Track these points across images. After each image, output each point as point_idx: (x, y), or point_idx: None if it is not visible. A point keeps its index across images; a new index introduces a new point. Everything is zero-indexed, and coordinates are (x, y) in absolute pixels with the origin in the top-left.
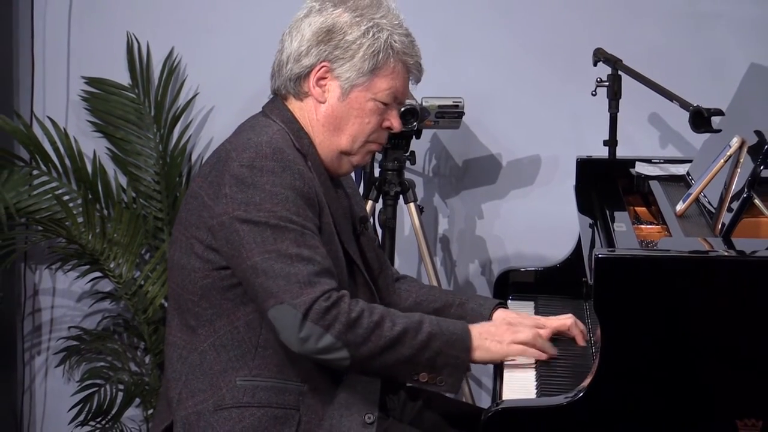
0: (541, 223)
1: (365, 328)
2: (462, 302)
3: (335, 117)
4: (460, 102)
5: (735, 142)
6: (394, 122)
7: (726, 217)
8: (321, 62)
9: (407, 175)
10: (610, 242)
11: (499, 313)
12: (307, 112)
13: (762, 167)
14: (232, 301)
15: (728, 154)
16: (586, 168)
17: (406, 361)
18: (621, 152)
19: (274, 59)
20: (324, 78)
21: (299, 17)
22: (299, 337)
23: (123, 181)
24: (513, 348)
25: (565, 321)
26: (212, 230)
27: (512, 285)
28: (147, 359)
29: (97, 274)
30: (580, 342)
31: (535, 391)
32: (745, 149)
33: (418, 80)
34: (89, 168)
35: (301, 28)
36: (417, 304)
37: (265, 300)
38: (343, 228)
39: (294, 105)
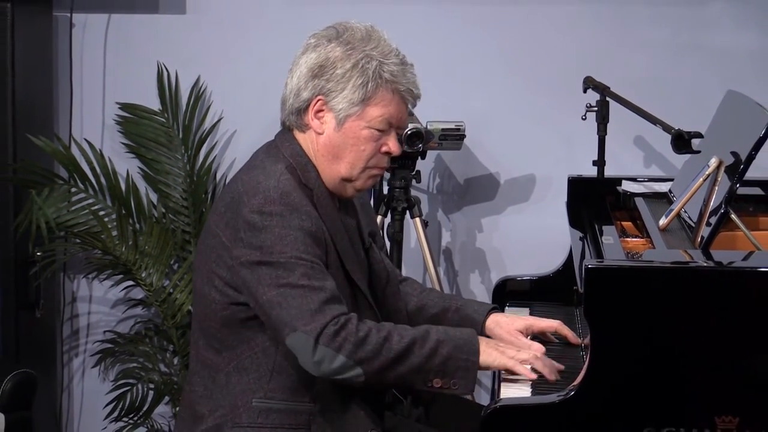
0: (536, 236)
1: (374, 344)
2: (458, 307)
3: (333, 146)
4: (462, 125)
5: (713, 162)
6: (392, 146)
7: (705, 231)
8: (316, 96)
9: (413, 192)
10: (598, 254)
11: (494, 318)
12: (310, 143)
13: (738, 185)
14: (250, 329)
15: (707, 173)
16: (576, 186)
17: (418, 370)
18: (609, 171)
19: (282, 93)
20: (321, 110)
21: (298, 54)
22: (314, 361)
23: (153, 197)
24: (515, 361)
25: (552, 323)
26: (231, 270)
27: (509, 293)
28: (175, 361)
29: (130, 282)
30: (574, 340)
31: (530, 390)
32: (722, 169)
33: (413, 105)
34: (123, 186)
35: (300, 64)
36: (418, 308)
37: (281, 330)
38: (348, 255)
39: (299, 137)
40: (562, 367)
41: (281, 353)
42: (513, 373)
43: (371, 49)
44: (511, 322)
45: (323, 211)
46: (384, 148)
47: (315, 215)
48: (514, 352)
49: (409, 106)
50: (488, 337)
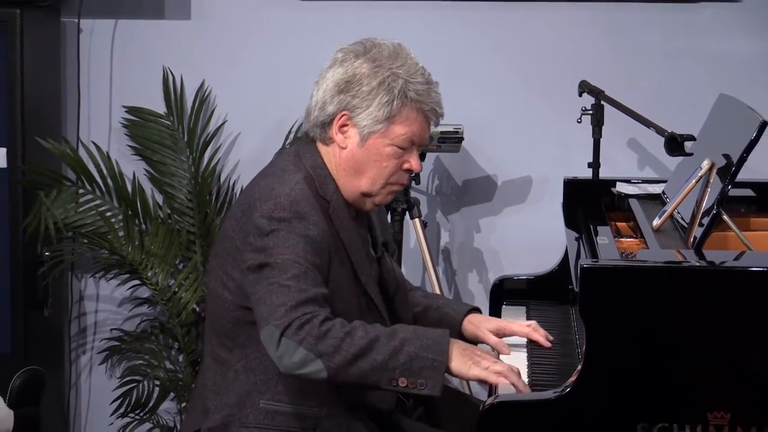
0: (532, 236)
1: (335, 338)
2: (439, 306)
3: (355, 162)
4: (460, 128)
5: (705, 164)
6: (414, 164)
7: (697, 231)
8: (341, 111)
9: (413, 193)
10: (594, 254)
11: (470, 317)
12: (332, 156)
13: (729, 187)
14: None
15: (699, 175)
16: (572, 187)
17: (381, 367)
18: (603, 173)
19: (307, 104)
20: (345, 125)
21: (325, 68)
22: (277, 355)
23: (159, 199)
24: (489, 372)
25: (523, 329)
26: (242, 274)
27: (506, 292)
28: (181, 358)
29: (136, 281)
30: (545, 344)
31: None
32: (714, 171)
33: (436, 123)
34: (129, 187)
35: (326, 78)
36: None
37: (259, 324)
38: (362, 265)
39: (322, 149)
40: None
41: None
42: (487, 382)
43: (398, 68)
44: (484, 321)
45: (339, 222)
46: (405, 165)
47: (323, 227)
48: (489, 363)
49: (433, 124)
50: (464, 337)
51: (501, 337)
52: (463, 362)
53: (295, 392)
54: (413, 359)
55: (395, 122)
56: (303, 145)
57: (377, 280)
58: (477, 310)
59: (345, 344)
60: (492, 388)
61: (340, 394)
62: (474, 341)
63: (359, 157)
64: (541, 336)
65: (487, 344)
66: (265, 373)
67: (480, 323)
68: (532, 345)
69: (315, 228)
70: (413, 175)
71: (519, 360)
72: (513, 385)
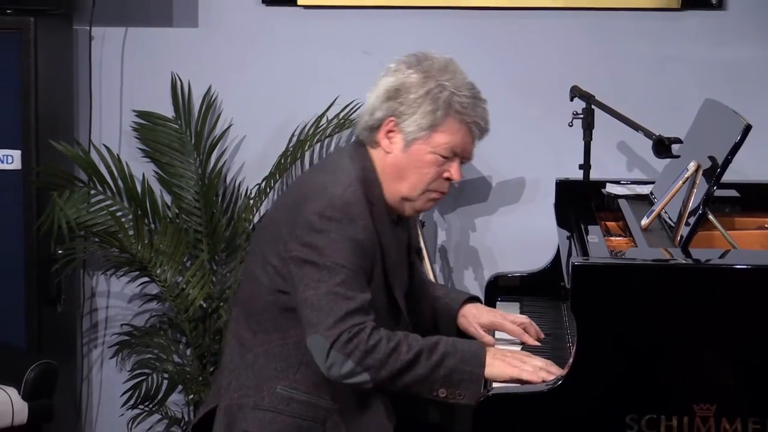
0: (526, 235)
1: (383, 354)
2: (437, 296)
3: (398, 167)
4: None
5: (692, 166)
6: (454, 173)
7: (684, 231)
8: (389, 117)
9: None
10: (584, 252)
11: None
12: (378, 159)
13: (715, 188)
14: (287, 320)
15: (686, 176)
16: (563, 188)
17: (423, 380)
18: (594, 175)
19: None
20: (392, 131)
21: (380, 76)
22: (326, 365)
23: (168, 199)
24: (520, 371)
25: (514, 329)
26: (283, 261)
27: (501, 288)
28: (188, 352)
29: (146, 279)
30: (531, 342)
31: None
32: (700, 172)
33: (479, 138)
34: (139, 188)
35: (379, 85)
36: None
37: (307, 329)
38: (394, 269)
39: (371, 152)
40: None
41: None
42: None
43: (446, 80)
44: (477, 315)
45: (380, 226)
46: (446, 174)
47: (371, 229)
48: (519, 362)
49: (477, 138)
50: (459, 330)
51: (493, 333)
52: (494, 366)
53: (312, 383)
54: (453, 372)
55: (438, 131)
56: (356, 147)
57: (405, 287)
58: (475, 299)
59: (391, 359)
60: (487, 381)
61: (353, 392)
62: (466, 335)
63: (402, 163)
64: (531, 336)
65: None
66: (286, 360)
67: (474, 318)
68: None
69: (363, 231)
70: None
71: None
72: (545, 378)
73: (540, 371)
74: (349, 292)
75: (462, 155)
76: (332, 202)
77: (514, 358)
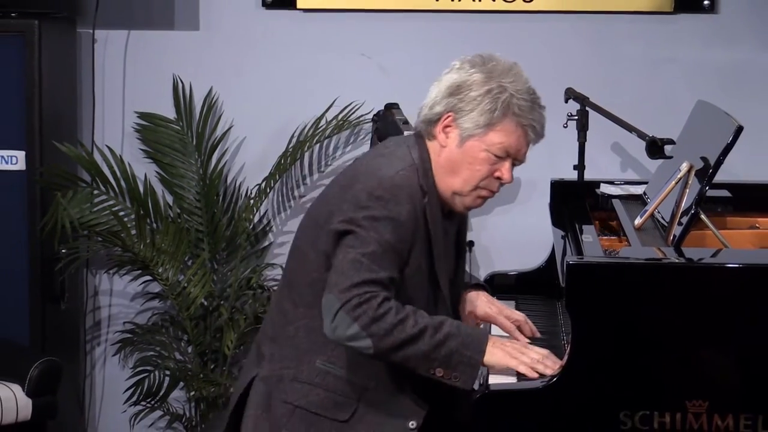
0: (521, 234)
1: (389, 323)
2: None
3: (452, 161)
4: None
5: (684, 166)
6: (505, 174)
7: (677, 230)
8: (448, 112)
9: None
10: (579, 251)
11: (467, 295)
12: (434, 152)
13: (707, 188)
14: None
15: (678, 176)
16: (558, 188)
17: (423, 356)
18: (588, 175)
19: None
20: (449, 126)
21: (444, 72)
22: (331, 325)
23: (169, 199)
24: (518, 362)
25: (508, 326)
26: (327, 235)
27: (497, 286)
28: (189, 349)
29: (148, 277)
30: (522, 340)
31: (516, 375)
32: (692, 173)
33: (534, 142)
34: (141, 188)
35: (442, 81)
36: None
37: (326, 288)
38: (441, 259)
39: (428, 144)
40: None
41: None
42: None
43: (508, 82)
44: (475, 304)
45: (431, 214)
46: (497, 174)
47: (414, 215)
48: (518, 353)
49: (531, 143)
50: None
51: (490, 326)
52: (493, 354)
53: (350, 360)
54: (453, 354)
55: (493, 130)
56: (415, 137)
57: (451, 277)
58: (481, 287)
59: (396, 330)
60: (485, 378)
61: (391, 372)
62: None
63: (456, 158)
64: (525, 334)
65: None
66: (325, 336)
67: (471, 305)
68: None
69: (407, 214)
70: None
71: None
72: (542, 372)
73: (537, 364)
74: (374, 264)
75: (515, 156)
76: (381, 183)
77: (513, 348)
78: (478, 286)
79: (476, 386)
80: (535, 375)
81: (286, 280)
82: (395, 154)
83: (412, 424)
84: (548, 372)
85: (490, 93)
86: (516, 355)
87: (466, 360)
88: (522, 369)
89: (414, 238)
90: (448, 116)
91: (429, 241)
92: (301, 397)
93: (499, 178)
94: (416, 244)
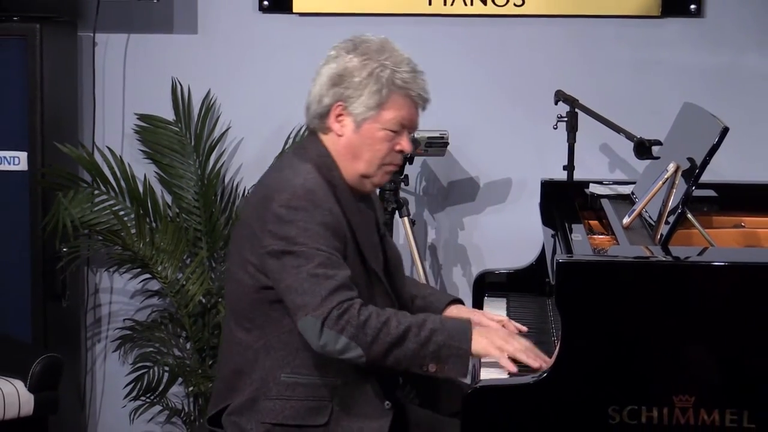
0: (512, 233)
1: (373, 328)
2: (425, 296)
3: (352, 147)
4: (446, 134)
5: (671, 167)
6: (405, 145)
7: (664, 229)
8: (337, 102)
9: (402, 194)
10: (568, 249)
11: (450, 309)
12: (332, 144)
13: (693, 188)
14: (278, 311)
15: (665, 176)
16: (548, 188)
17: (413, 355)
18: (577, 175)
19: (306, 100)
20: (341, 115)
21: (321, 65)
22: (320, 344)
23: (168, 199)
24: (499, 352)
25: (501, 318)
26: (261, 258)
27: (488, 284)
28: (188, 346)
29: (147, 275)
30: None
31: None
32: (679, 173)
33: (423, 108)
34: (141, 188)
35: (321, 73)
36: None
37: (295, 313)
38: (367, 244)
39: (323, 138)
40: (547, 359)
41: None
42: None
43: (384, 59)
44: (461, 314)
45: (346, 206)
46: (398, 147)
47: (337, 211)
48: (502, 342)
49: (420, 108)
50: None
51: None
52: (478, 342)
53: (313, 365)
54: (441, 348)
55: (385, 108)
56: (305, 138)
57: (381, 260)
58: (459, 301)
59: (382, 334)
60: (475, 373)
61: (355, 366)
62: None
63: (355, 143)
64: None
65: None
66: (284, 349)
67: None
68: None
69: (330, 214)
70: (402, 177)
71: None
72: (525, 362)
73: (520, 353)
74: (329, 271)
75: (409, 126)
76: (296, 192)
77: (498, 337)
78: (456, 301)
79: (468, 380)
80: (514, 369)
81: (230, 311)
82: (294, 162)
83: (388, 404)
84: (531, 362)
85: (372, 75)
86: (499, 344)
87: (455, 351)
88: (503, 361)
89: (344, 233)
90: (338, 106)
91: (353, 231)
92: (277, 414)
93: (401, 151)
94: (347, 239)
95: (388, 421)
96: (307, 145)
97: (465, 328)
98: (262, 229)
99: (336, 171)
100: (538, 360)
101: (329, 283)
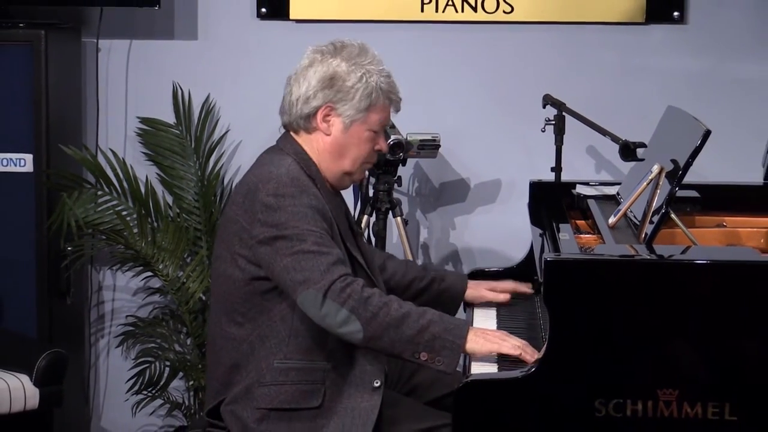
0: (501, 233)
1: (375, 305)
2: (441, 277)
3: (339, 146)
4: (437, 137)
5: (655, 168)
6: (383, 145)
7: (648, 228)
8: (326, 103)
9: (395, 195)
10: (556, 248)
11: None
12: (314, 142)
13: (677, 188)
14: (269, 301)
15: (650, 178)
16: (536, 189)
17: (408, 341)
18: (565, 177)
19: (283, 100)
20: (329, 116)
21: (304, 66)
22: (321, 314)
23: (169, 199)
24: (499, 345)
25: (498, 296)
26: (252, 249)
27: None
28: (188, 341)
29: (149, 273)
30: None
31: (497, 366)
32: (663, 174)
33: (397, 110)
34: (142, 189)
35: (308, 75)
36: (409, 281)
37: (294, 290)
38: (346, 233)
39: (303, 138)
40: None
41: (297, 318)
42: (500, 354)
43: (368, 64)
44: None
45: (325, 196)
46: (377, 147)
47: (320, 196)
48: (499, 340)
49: (395, 111)
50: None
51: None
52: (475, 342)
53: (305, 350)
54: (436, 338)
55: (372, 110)
56: (280, 138)
57: (359, 250)
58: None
59: (382, 312)
60: (466, 368)
61: (344, 349)
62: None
63: (342, 142)
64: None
65: None
66: (276, 337)
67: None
68: (501, 326)
69: (315, 198)
70: (395, 178)
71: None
72: (522, 358)
73: (517, 350)
74: (324, 248)
75: (385, 127)
76: (281, 181)
77: (494, 336)
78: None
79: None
80: (519, 352)
81: (221, 310)
82: (274, 158)
83: (377, 383)
84: (527, 359)
85: (362, 80)
86: (496, 341)
87: (449, 344)
88: (504, 350)
89: (329, 218)
90: (327, 107)
91: (334, 221)
92: (273, 399)
93: (379, 150)
94: (331, 225)
95: (379, 399)
96: (282, 145)
97: (462, 325)
98: (251, 221)
99: (314, 167)
100: (534, 357)
101: (327, 258)
